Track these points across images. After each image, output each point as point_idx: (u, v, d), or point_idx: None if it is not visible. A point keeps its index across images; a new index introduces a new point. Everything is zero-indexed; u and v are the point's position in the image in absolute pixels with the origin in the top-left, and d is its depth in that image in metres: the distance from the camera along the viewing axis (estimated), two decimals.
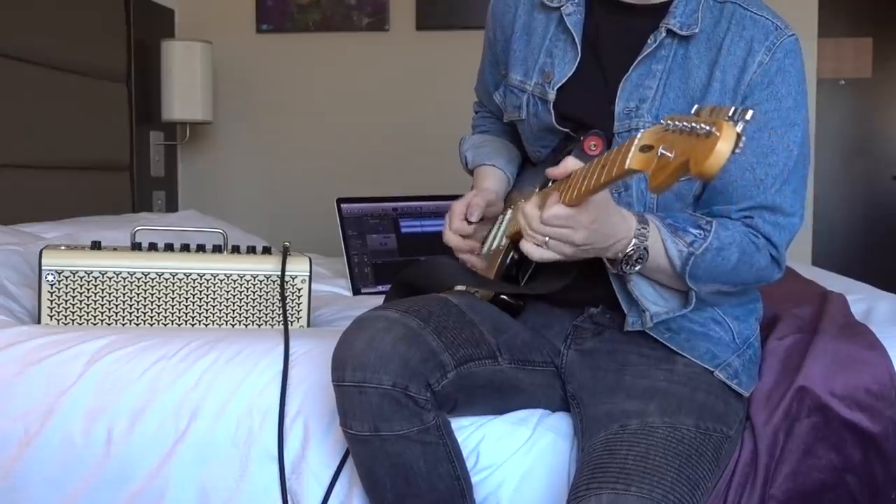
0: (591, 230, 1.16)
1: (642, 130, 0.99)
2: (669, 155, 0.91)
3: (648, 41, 1.34)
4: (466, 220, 1.45)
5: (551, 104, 1.40)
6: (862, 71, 4.54)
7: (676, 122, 0.92)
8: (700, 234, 1.26)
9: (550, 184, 1.39)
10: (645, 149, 0.96)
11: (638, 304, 1.31)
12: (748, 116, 0.89)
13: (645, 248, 1.22)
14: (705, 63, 1.33)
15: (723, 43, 1.33)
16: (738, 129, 0.87)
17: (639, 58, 1.34)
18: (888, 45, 4.53)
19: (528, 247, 1.20)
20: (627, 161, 0.98)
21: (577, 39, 1.39)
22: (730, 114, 0.89)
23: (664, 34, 1.34)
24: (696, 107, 0.96)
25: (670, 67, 1.34)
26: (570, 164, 1.17)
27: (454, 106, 2.96)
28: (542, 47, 1.43)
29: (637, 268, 1.23)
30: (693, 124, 0.90)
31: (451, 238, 1.46)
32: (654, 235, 1.23)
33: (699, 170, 0.87)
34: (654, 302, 1.31)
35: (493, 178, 1.55)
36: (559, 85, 1.40)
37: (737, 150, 0.87)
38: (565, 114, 1.40)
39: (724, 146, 0.86)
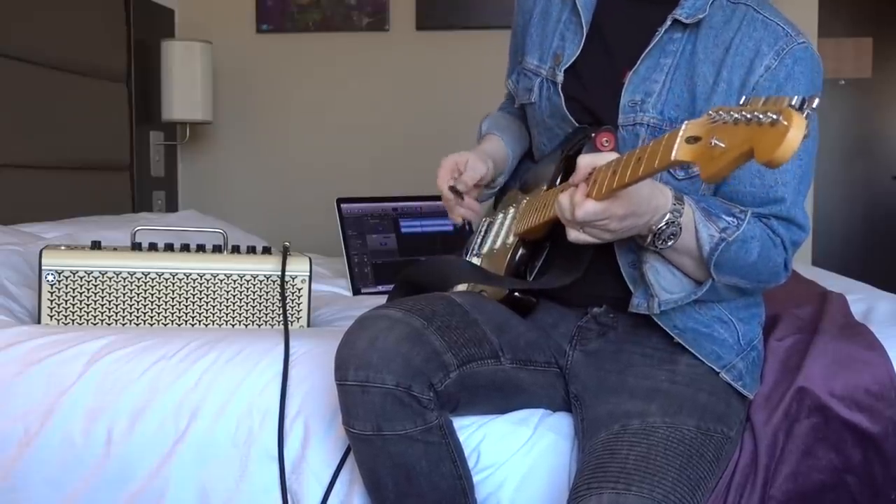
0: (626, 217, 1.15)
1: (687, 122, 0.98)
2: (722, 145, 0.90)
3: (657, 32, 1.34)
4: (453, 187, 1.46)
5: (560, 86, 1.40)
6: (862, 71, 4.54)
7: (730, 114, 0.91)
8: (733, 222, 1.25)
9: (558, 181, 1.40)
10: (691, 140, 0.95)
11: (648, 287, 1.30)
12: (815, 104, 0.88)
13: (679, 226, 1.20)
14: (712, 61, 1.33)
15: (731, 42, 1.32)
16: (805, 116, 0.86)
17: (647, 49, 1.34)
18: (888, 45, 4.54)
19: (571, 232, 1.19)
20: (673, 153, 0.97)
21: (584, 21, 1.39)
22: (793, 102, 0.87)
23: (669, 23, 1.34)
24: (744, 98, 0.94)
25: (678, 62, 1.34)
26: (584, 162, 1.16)
27: (454, 106, 2.97)
28: (556, 31, 1.45)
29: (670, 243, 1.21)
30: (753, 114, 0.88)
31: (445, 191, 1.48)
32: (687, 215, 1.22)
33: (769, 158, 0.85)
34: (665, 288, 1.29)
35: (493, 145, 1.55)
36: (566, 66, 1.40)
37: (805, 139, 0.86)
38: (573, 99, 1.40)
39: (795, 133, 0.84)
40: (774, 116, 0.86)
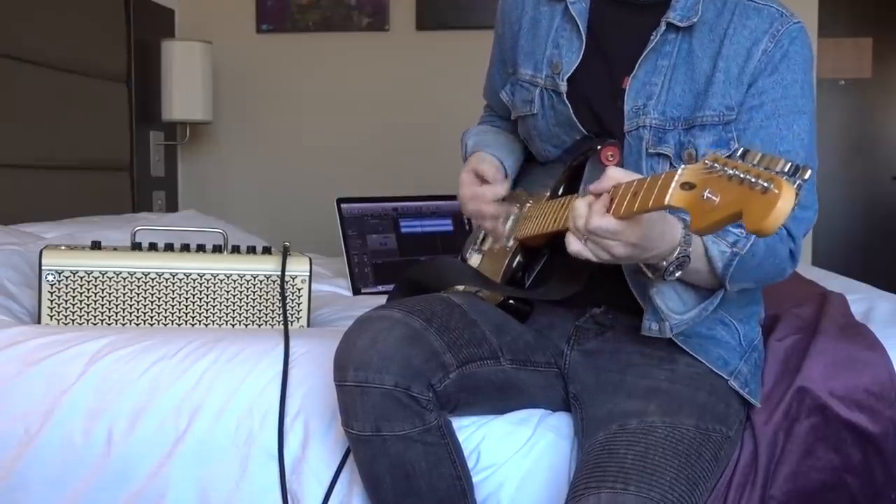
0: (634, 245, 1.11)
1: (683, 166, 0.96)
2: (715, 199, 0.89)
3: (651, 37, 1.34)
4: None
5: (565, 95, 1.39)
6: (862, 71, 4.54)
7: (725, 167, 0.89)
8: (742, 233, 1.23)
9: (560, 192, 1.39)
10: (686, 186, 0.94)
11: (657, 311, 1.28)
12: (807, 175, 0.86)
13: (687, 255, 1.17)
14: (708, 55, 1.33)
15: (725, 33, 1.32)
16: (796, 186, 0.85)
17: (643, 55, 1.34)
18: (888, 45, 4.53)
19: (573, 243, 1.15)
20: (667, 197, 0.95)
21: (581, 28, 1.38)
22: (786, 168, 0.86)
23: (664, 28, 1.33)
24: (741, 149, 0.92)
25: (675, 63, 1.33)
26: (612, 174, 1.11)
27: (454, 106, 2.97)
28: (548, 39, 1.43)
29: (677, 274, 1.18)
30: (746, 174, 0.87)
31: (483, 192, 1.45)
32: (695, 240, 1.20)
33: (756, 227, 0.84)
34: (674, 310, 1.28)
35: (490, 165, 1.52)
36: (568, 75, 1.39)
37: (794, 209, 0.85)
38: (578, 106, 1.39)
39: (784, 206, 0.83)
40: (765, 184, 0.85)
